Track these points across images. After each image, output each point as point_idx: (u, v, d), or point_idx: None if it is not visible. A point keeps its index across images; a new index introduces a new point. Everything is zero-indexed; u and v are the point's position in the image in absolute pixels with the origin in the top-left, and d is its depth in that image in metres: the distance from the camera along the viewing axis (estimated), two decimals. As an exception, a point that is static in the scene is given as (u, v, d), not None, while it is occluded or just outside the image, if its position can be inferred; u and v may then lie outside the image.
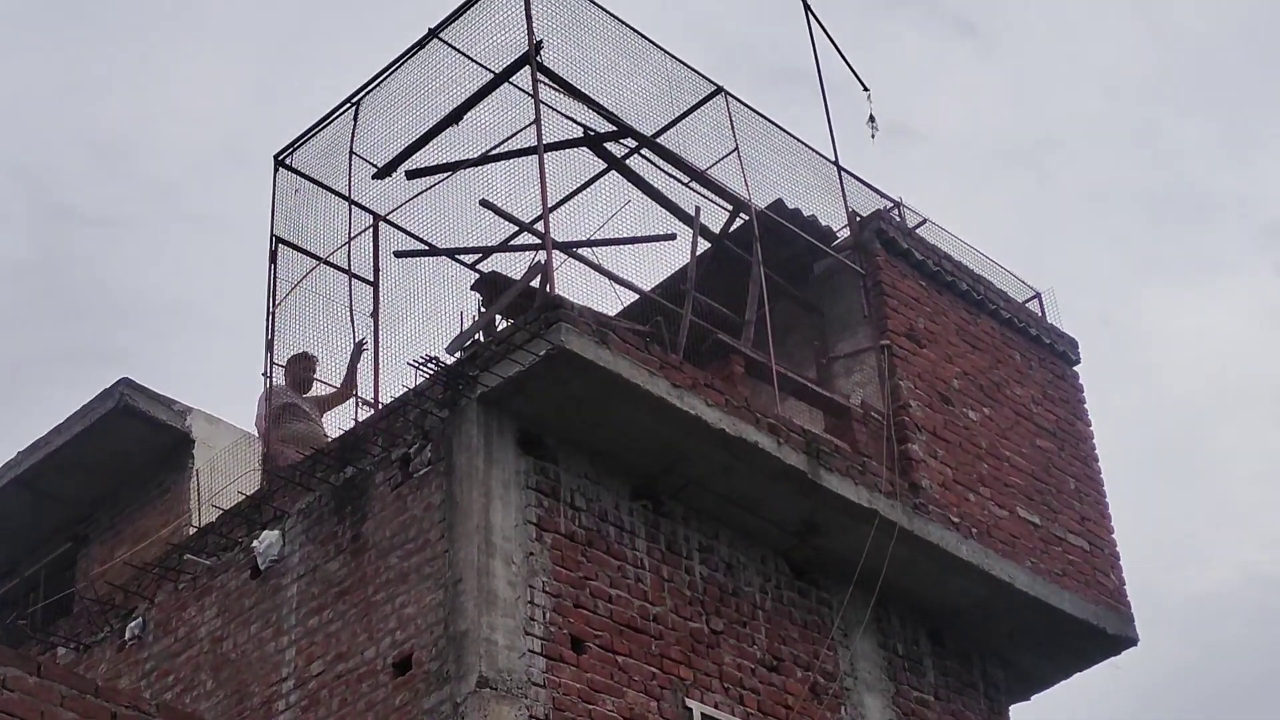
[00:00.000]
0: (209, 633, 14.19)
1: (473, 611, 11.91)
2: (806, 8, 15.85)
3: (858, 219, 16.31)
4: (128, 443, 17.65)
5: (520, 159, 14.88)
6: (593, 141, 15.31)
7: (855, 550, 14.32)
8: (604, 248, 15.50)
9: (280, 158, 15.89)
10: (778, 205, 15.89)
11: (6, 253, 45.82)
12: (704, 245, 15.75)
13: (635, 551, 13.32)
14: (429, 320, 15.08)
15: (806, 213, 16.14)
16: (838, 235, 16.39)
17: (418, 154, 15.36)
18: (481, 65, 14.77)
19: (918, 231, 16.80)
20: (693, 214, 15.67)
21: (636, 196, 15.77)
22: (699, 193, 15.71)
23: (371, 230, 15.91)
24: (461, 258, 16.06)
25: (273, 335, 15.23)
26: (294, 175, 15.86)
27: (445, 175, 15.39)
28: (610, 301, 15.38)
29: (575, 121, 15.02)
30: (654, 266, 15.88)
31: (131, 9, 48.18)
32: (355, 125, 15.58)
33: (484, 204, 15.02)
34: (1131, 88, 49.15)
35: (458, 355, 13.38)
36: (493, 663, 11.77)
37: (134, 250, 46.58)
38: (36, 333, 45.43)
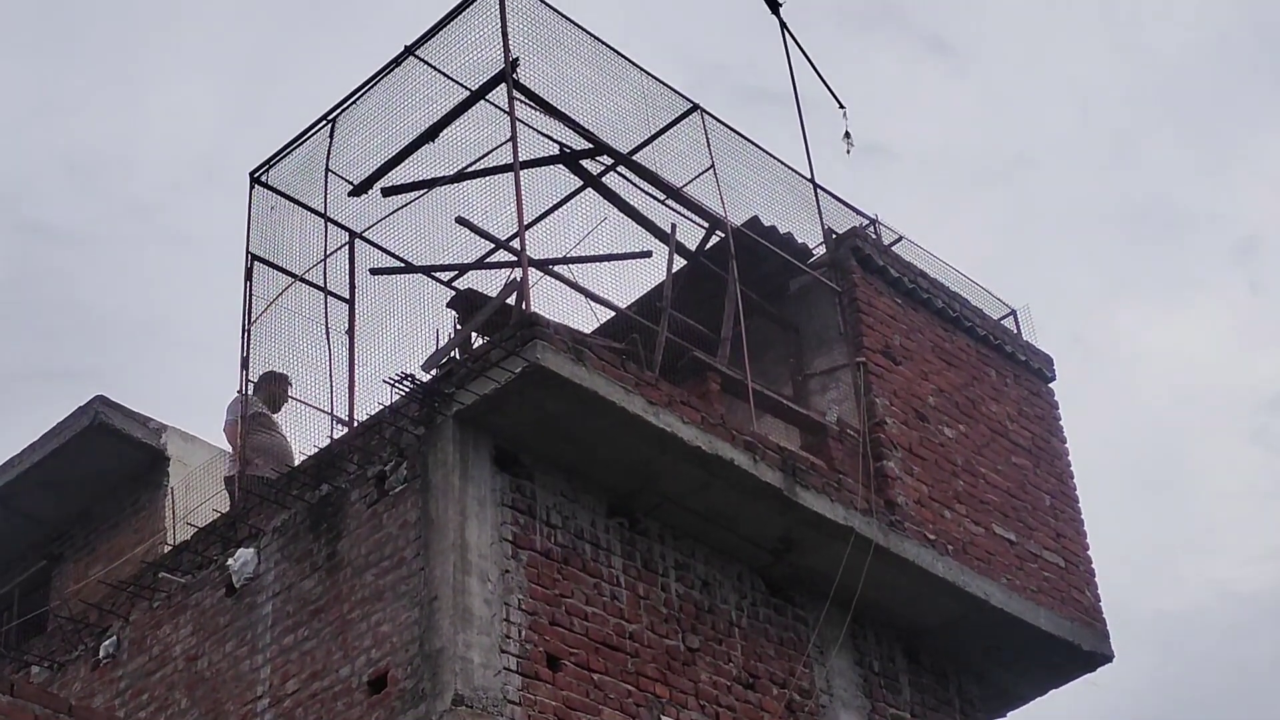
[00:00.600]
0: (184, 651, 14.14)
1: (448, 629, 11.89)
2: (782, 25, 15.87)
3: (833, 236, 16.35)
4: (102, 460, 17.61)
5: (496, 176, 14.88)
6: (569, 159, 15.32)
7: (831, 567, 14.33)
8: (580, 265, 15.52)
9: (256, 175, 15.86)
10: (753, 223, 15.91)
11: (-21, 270, 45.76)
12: (680, 262, 15.77)
13: (611, 569, 13.32)
14: (405, 337, 15.08)
15: (782, 230, 16.16)
16: (814, 252, 16.41)
17: (394, 171, 15.35)
18: (458, 83, 14.77)
19: (893, 249, 16.84)
20: (669, 231, 15.68)
21: (613, 214, 15.79)
22: (675, 210, 15.73)
23: (347, 247, 15.88)
24: (437, 275, 16.05)
25: (248, 353, 15.19)
26: (269, 192, 15.83)
27: (421, 192, 15.38)
28: (586, 319, 15.39)
29: (551, 139, 15.04)
30: (630, 284, 15.91)
31: (108, 26, 48.19)
32: (331, 142, 15.56)
33: (460, 221, 15.01)
34: (1105, 105, 49.39)
35: (433, 373, 13.37)
36: (468, 680, 11.75)
37: (108, 268, 46.56)
38: (8, 350, 45.38)
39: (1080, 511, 17.16)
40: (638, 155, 15.57)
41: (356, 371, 15.15)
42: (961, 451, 16.09)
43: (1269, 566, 43.91)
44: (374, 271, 15.87)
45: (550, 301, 14.75)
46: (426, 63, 14.78)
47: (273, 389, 15.48)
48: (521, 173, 13.82)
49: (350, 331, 15.46)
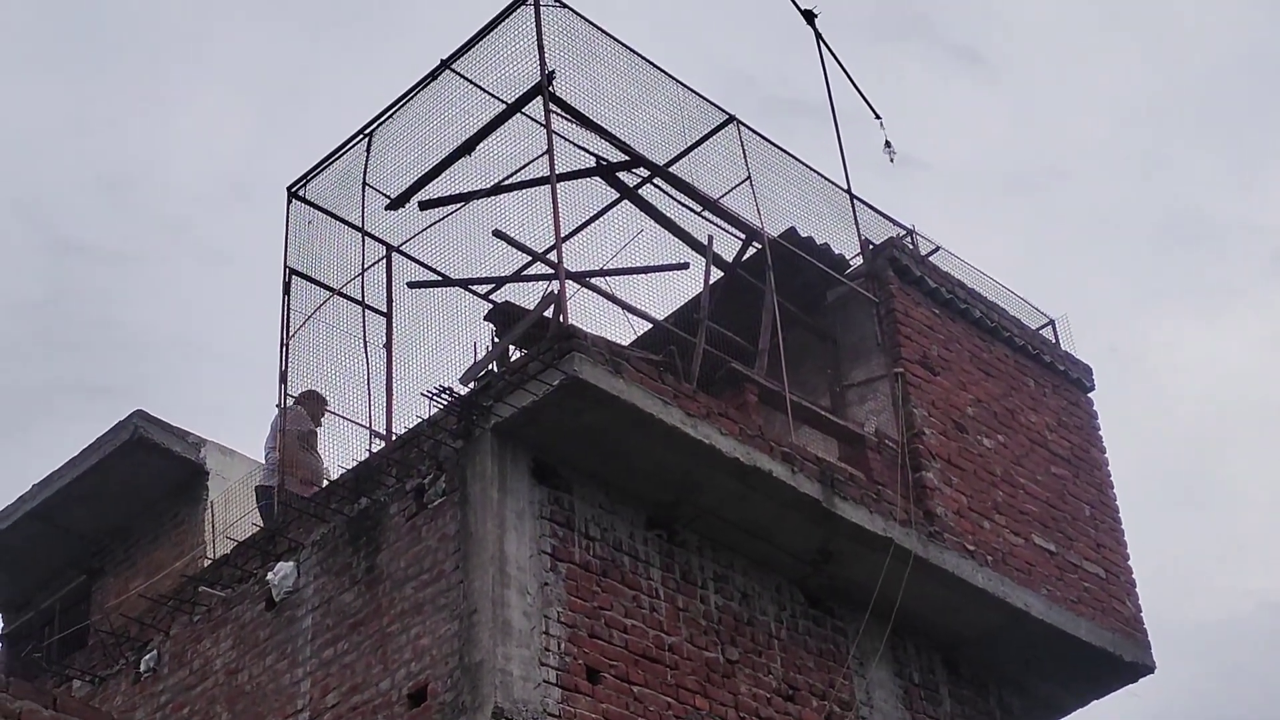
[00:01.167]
0: (224, 665, 14.17)
1: (488, 642, 11.89)
2: (818, 36, 15.86)
3: (870, 247, 16.32)
4: (142, 475, 17.67)
5: (533, 189, 14.90)
6: (605, 171, 15.33)
7: (870, 578, 14.30)
8: (617, 277, 15.52)
9: (293, 189, 15.91)
10: (790, 234, 15.90)
11: (16, 288, 45.99)
12: (717, 274, 15.75)
13: (650, 581, 13.30)
14: (442, 351, 15.10)
15: (819, 241, 16.15)
16: (850, 263, 16.39)
17: (430, 185, 15.39)
18: (494, 96, 14.80)
19: (930, 259, 16.80)
20: (705, 243, 15.68)
21: (649, 226, 15.80)
22: (711, 221, 15.72)
23: (385, 261, 15.91)
24: (475, 288, 16.07)
25: (286, 366, 15.24)
26: (307, 206, 15.87)
27: (458, 206, 15.41)
28: (624, 331, 15.40)
29: (588, 151, 15.05)
30: (667, 296, 15.92)
31: (141, 45, 48.40)
32: (368, 156, 15.60)
33: (497, 234, 15.03)
34: (1138, 116, 49.18)
35: (471, 386, 13.38)
36: (508, 693, 11.74)
37: (143, 285, 46.73)
38: (46, 368, 45.54)
39: (1120, 521, 17.08)
40: (674, 167, 15.57)
41: (394, 385, 15.19)
42: (1000, 462, 16.04)
43: (1308, 576, 43.68)
44: (411, 285, 15.89)
45: (587, 314, 14.77)
46: (463, 76, 14.81)
47: (313, 409, 15.53)
48: (558, 185, 13.84)
49: (388, 345, 15.49)
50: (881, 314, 15.93)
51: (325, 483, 14.57)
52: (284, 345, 15.32)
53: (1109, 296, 46.35)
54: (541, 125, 14.17)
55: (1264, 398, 45.65)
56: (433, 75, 14.94)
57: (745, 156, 15.68)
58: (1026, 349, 17.18)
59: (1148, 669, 16.27)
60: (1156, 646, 16.43)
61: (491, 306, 15.92)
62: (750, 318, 15.42)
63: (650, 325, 15.56)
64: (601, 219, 15.84)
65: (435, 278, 15.99)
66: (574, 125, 14.67)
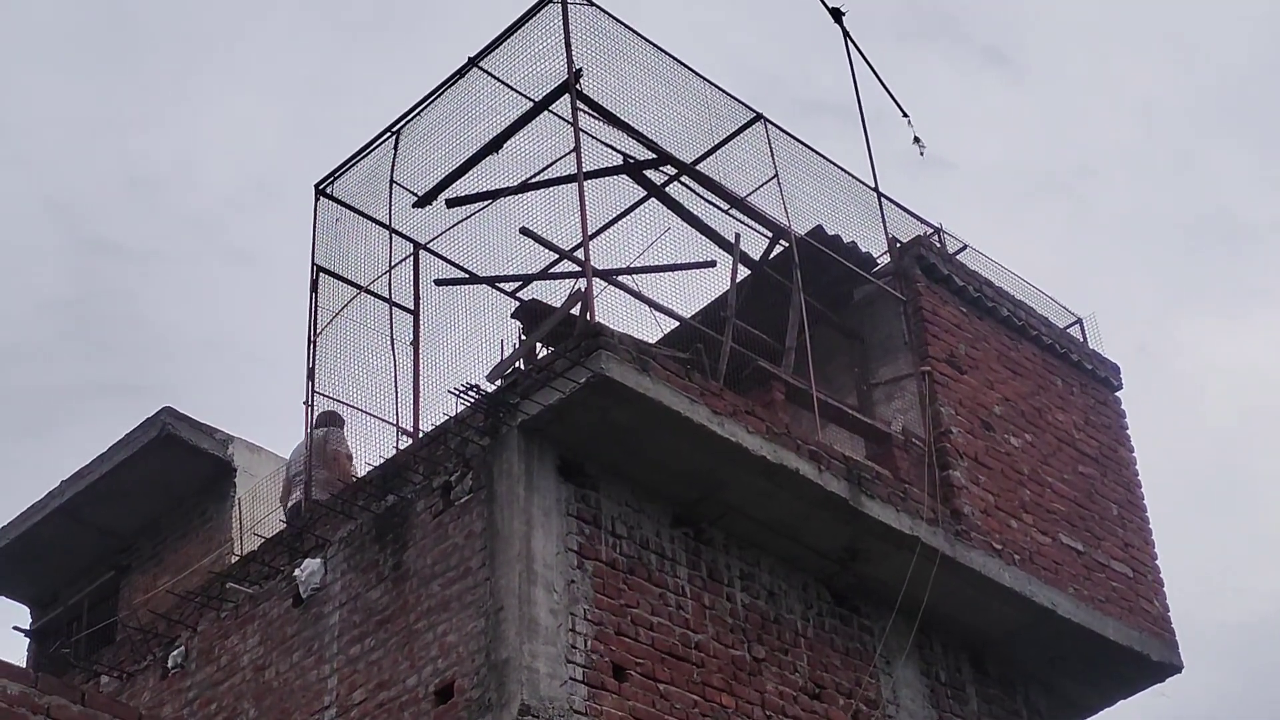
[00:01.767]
0: (251, 661, 14.22)
1: (514, 639, 11.90)
2: (845, 35, 15.82)
3: (898, 245, 16.29)
4: (170, 471, 17.72)
5: (560, 187, 14.91)
6: (632, 169, 15.33)
7: (897, 577, 14.28)
8: (644, 275, 15.52)
9: (321, 187, 15.94)
10: (817, 232, 15.89)
11: (45, 287, 46.13)
12: (744, 272, 15.76)
13: (676, 579, 13.31)
14: (469, 348, 15.12)
15: (846, 239, 16.13)
16: (878, 261, 16.37)
17: (458, 182, 15.41)
18: (521, 94, 14.81)
19: (958, 257, 16.77)
20: (732, 241, 15.68)
21: (676, 223, 15.79)
22: (738, 219, 15.72)
23: (412, 259, 15.93)
24: (502, 285, 16.09)
25: (314, 364, 15.26)
26: (334, 204, 15.90)
27: (485, 203, 15.43)
28: (650, 329, 15.40)
29: (615, 149, 15.05)
30: (694, 293, 15.91)
31: (169, 46, 48.48)
32: (395, 154, 15.62)
33: (524, 232, 15.04)
34: (1167, 116, 49.02)
35: (498, 383, 13.40)
36: (534, 691, 11.76)
37: (171, 284, 46.80)
38: (74, 367, 45.66)
39: (1148, 521, 17.04)
40: (701, 165, 15.56)
41: (421, 382, 15.21)
42: (1028, 460, 16.01)
43: (1336, 578, 43.51)
44: (438, 282, 15.92)
45: (614, 312, 14.79)
46: (490, 74, 14.83)
47: (335, 435, 15.52)
48: (585, 183, 13.85)
49: (415, 342, 15.51)
50: (909, 312, 15.91)
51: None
52: (311, 343, 15.36)
53: (1137, 296, 46.24)
54: (569, 123, 14.18)
55: (1292, 400, 45.52)
56: (460, 73, 14.96)
57: (772, 154, 15.66)
58: (1054, 348, 17.14)
59: (1175, 669, 16.23)
60: (1184, 647, 16.39)
61: (518, 304, 15.93)
62: (777, 316, 15.41)
63: (677, 323, 15.56)
64: (628, 217, 15.84)
65: (462, 275, 16.01)
66: (601, 123, 14.68)
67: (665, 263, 15.71)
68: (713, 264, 15.77)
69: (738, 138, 15.72)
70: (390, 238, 15.86)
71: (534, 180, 15.08)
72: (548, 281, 15.96)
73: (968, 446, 15.40)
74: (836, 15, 15.51)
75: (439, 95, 15.15)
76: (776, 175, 15.58)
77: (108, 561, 18.63)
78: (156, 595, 16.85)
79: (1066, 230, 46.91)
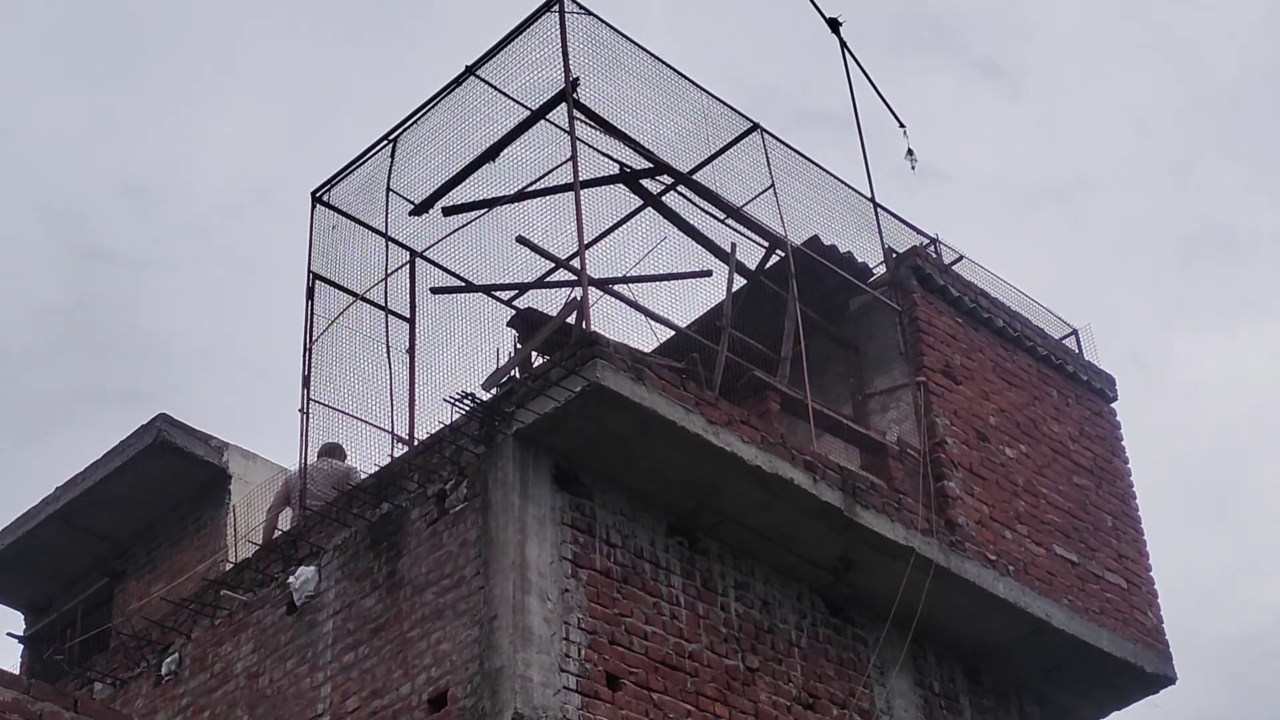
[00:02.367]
0: (245, 668, 14.21)
1: (508, 648, 11.90)
2: (843, 45, 15.86)
3: (893, 255, 16.31)
4: (165, 478, 17.71)
5: (556, 195, 14.92)
6: (629, 178, 15.35)
7: (891, 587, 14.29)
8: (640, 284, 15.54)
9: (317, 194, 15.95)
10: (814, 242, 15.90)
11: (42, 293, 46.14)
12: (740, 282, 15.76)
13: (670, 588, 13.30)
14: (465, 356, 15.14)
15: (842, 249, 16.15)
16: (874, 272, 16.38)
17: (454, 190, 15.41)
18: (518, 102, 14.82)
19: (954, 268, 16.78)
20: (729, 250, 15.68)
21: (672, 233, 15.80)
22: (735, 229, 15.73)
23: (408, 266, 15.94)
24: (498, 294, 16.10)
25: (309, 371, 15.26)
26: (331, 211, 15.91)
27: (482, 212, 15.43)
28: (646, 338, 15.43)
29: (611, 158, 15.06)
30: (690, 303, 15.94)
31: (166, 52, 48.51)
32: (392, 162, 15.63)
33: (520, 240, 15.05)
34: (1162, 128, 49.09)
35: (494, 391, 13.40)
36: (528, 699, 11.75)
37: (168, 291, 46.80)
38: (70, 373, 45.65)
39: (1142, 532, 17.06)
40: (697, 174, 15.57)
41: (417, 390, 15.21)
42: (1023, 471, 16.02)
43: (1331, 591, 43.51)
44: (435, 290, 15.93)
45: (610, 321, 14.80)
46: (487, 82, 14.84)
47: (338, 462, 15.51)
48: (582, 192, 13.85)
49: (411, 350, 15.52)
50: (904, 323, 15.92)
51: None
52: (307, 350, 15.37)
53: (1133, 308, 46.30)
54: (565, 132, 14.19)
55: (1287, 411, 45.55)
56: (457, 81, 14.97)
57: (769, 164, 15.68)
58: (1049, 359, 17.16)
59: (1169, 680, 16.24)
60: (1178, 659, 16.41)
61: (514, 312, 15.94)
62: (773, 326, 15.42)
63: (673, 332, 15.58)
64: (625, 226, 15.85)
65: (458, 283, 16.02)
66: (598, 132, 14.69)
67: (661, 272, 15.73)
68: (709, 273, 15.78)
69: (734, 147, 15.74)
70: (386, 245, 15.88)
71: (530, 189, 15.09)
72: (544, 290, 15.98)
73: (963, 457, 15.40)
74: (834, 25, 15.56)
75: (436, 103, 15.16)
76: (773, 185, 15.59)
77: (102, 568, 18.62)
78: (151, 602, 16.84)
79: (1062, 242, 46.98)
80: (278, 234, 46.83)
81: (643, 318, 15.30)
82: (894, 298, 16.04)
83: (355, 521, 13.72)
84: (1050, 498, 16.14)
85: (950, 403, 15.65)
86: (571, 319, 14.25)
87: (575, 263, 14.14)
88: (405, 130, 15.47)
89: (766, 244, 15.88)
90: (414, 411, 15.07)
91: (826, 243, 16.01)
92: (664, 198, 15.68)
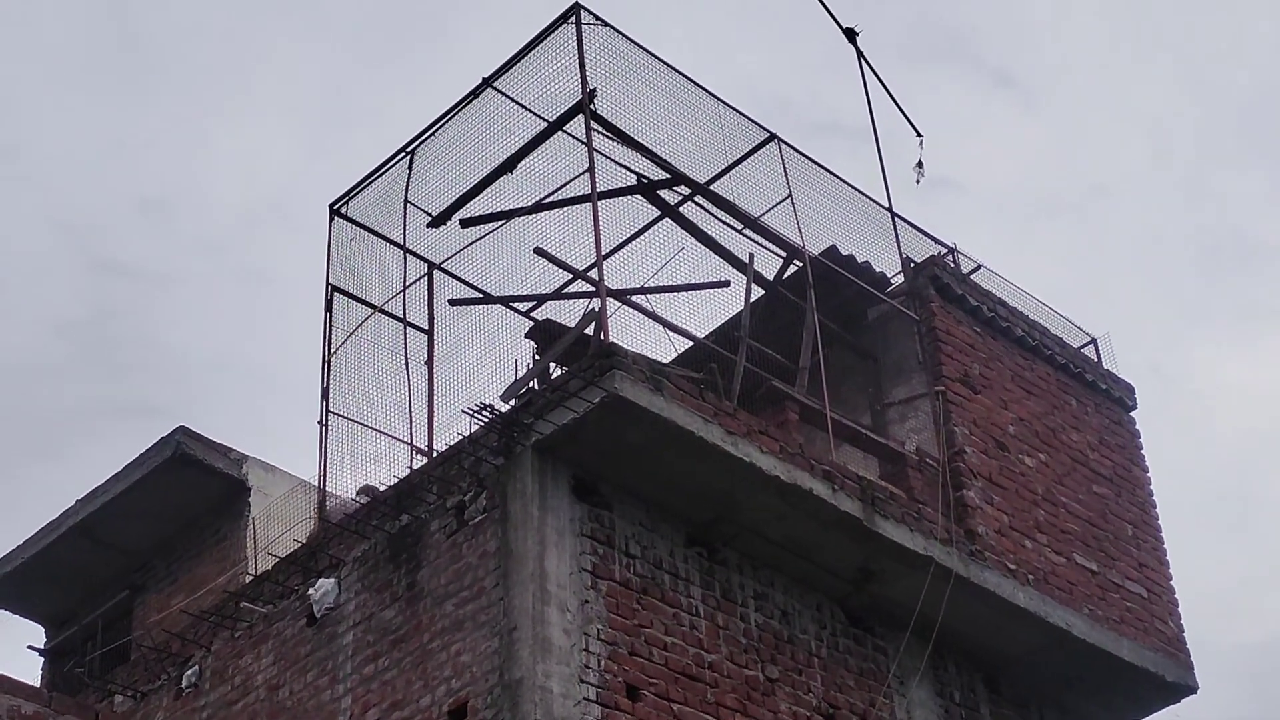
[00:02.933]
0: (265, 680, 14.22)
1: (528, 659, 11.90)
2: (859, 54, 15.84)
3: (911, 265, 16.29)
4: (184, 491, 17.74)
5: (574, 207, 14.93)
6: (646, 189, 15.35)
7: (911, 597, 14.26)
8: (658, 295, 15.53)
9: (335, 206, 15.98)
10: (831, 252, 15.89)
11: (58, 309, 46.23)
12: (758, 292, 15.76)
13: (690, 599, 13.30)
14: (483, 368, 15.15)
15: (860, 259, 16.13)
16: (892, 281, 16.37)
17: (472, 202, 15.44)
18: (535, 114, 14.84)
19: (972, 277, 16.76)
20: (746, 261, 15.68)
21: (690, 243, 15.81)
22: (752, 239, 15.73)
23: (426, 278, 15.96)
24: (516, 305, 16.11)
25: (328, 384, 15.29)
26: (349, 224, 15.93)
27: (499, 223, 15.45)
28: (664, 348, 15.42)
29: (629, 169, 15.07)
30: (708, 313, 15.92)
31: (182, 67, 48.61)
32: (410, 174, 15.65)
33: (538, 252, 15.06)
34: (1177, 137, 48.99)
35: (512, 403, 13.41)
36: (548, 711, 11.75)
37: (184, 305, 46.88)
38: (87, 388, 45.75)
39: (1162, 541, 17.01)
40: (715, 185, 15.57)
41: (435, 402, 15.23)
42: (1042, 481, 15.99)
43: (1351, 599, 43.37)
44: (453, 302, 15.94)
45: (628, 331, 14.80)
46: (504, 94, 14.86)
47: None
48: (599, 203, 13.86)
49: (429, 362, 15.53)
50: (922, 332, 15.90)
51: None
52: (326, 362, 15.39)
53: (1150, 318, 46.18)
54: (583, 143, 14.20)
55: (1305, 420, 45.43)
56: (474, 93, 14.99)
57: (786, 175, 15.68)
58: (1068, 368, 17.13)
59: (1190, 689, 16.19)
60: (1199, 668, 16.36)
61: (533, 324, 15.96)
62: (791, 336, 15.41)
63: (691, 343, 15.56)
64: (642, 237, 15.86)
65: (477, 295, 16.03)
66: (615, 143, 14.70)
67: (679, 282, 15.72)
68: (726, 284, 15.77)
69: (751, 158, 15.74)
70: (405, 257, 15.90)
71: (548, 200, 15.11)
72: (562, 301, 15.99)
73: (982, 466, 15.38)
74: (850, 35, 15.52)
75: (453, 115, 15.18)
76: (790, 195, 15.59)
77: (122, 581, 18.65)
78: (171, 614, 16.85)
79: (1077, 252, 46.89)
80: (293, 248, 46.94)
81: (661, 328, 15.29)
82: (912, 307, 16.02)
83: (375, 533, 13.73)
84: (1070, 507, 16.11)
85: (969, 412, 15.63)
86: (590, 330, 14.26)
87: (593, 274, 14.15)
88: (423, 142, 15.50)
89: (784, 254, 15.88)
90: (433, 423, 15.09)
91: (844, 252, 16.00)
92: (681, 208, 15.68)
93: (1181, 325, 48.76)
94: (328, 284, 15.71)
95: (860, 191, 16.35)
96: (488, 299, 16.02)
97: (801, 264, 15.54)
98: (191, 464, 17.55)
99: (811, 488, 13.52)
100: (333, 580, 13.93)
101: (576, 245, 14.97)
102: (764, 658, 13.59)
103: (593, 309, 14.36)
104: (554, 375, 14.30)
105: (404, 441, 15.10)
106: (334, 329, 15.56)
